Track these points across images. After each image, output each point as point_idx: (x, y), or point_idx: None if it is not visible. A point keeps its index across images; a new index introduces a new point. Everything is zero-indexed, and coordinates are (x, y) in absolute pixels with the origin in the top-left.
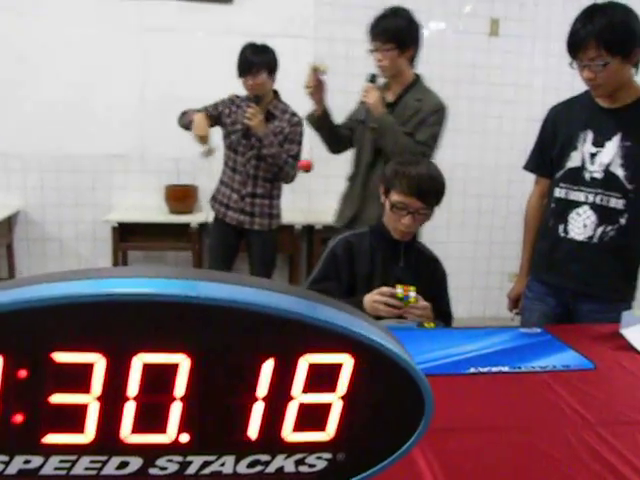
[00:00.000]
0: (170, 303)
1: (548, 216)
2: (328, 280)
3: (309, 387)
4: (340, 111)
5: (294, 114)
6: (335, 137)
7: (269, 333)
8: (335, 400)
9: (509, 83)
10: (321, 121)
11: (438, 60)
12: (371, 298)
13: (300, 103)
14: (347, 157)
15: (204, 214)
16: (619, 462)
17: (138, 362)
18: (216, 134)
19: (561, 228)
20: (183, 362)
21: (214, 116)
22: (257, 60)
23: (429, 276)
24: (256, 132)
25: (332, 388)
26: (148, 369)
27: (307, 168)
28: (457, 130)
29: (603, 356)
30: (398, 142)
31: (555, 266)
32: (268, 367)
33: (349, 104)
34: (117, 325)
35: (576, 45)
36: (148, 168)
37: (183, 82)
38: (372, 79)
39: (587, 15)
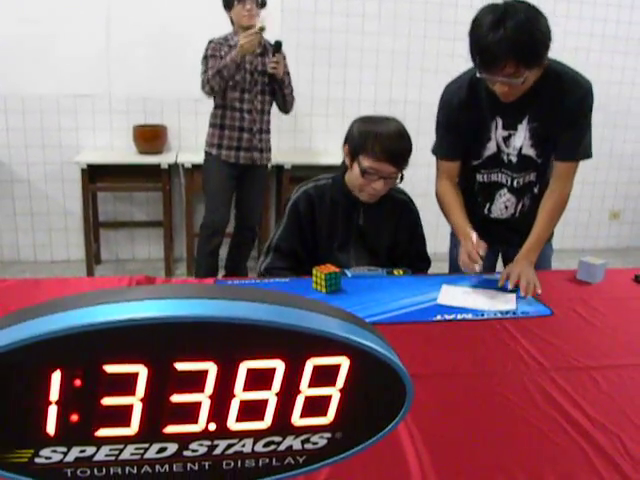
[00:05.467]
0: (198, 322)
1: (475, 195)
2: (293, 238)
3: (313, 383)
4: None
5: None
6: None
7: (280, 343)
8: (334, 392)
9: (463, 21)
10: None
11: None
12: None
13: None
14: (320, 95)
15: (173, 154)
16: (569, 405)
17: (174, 370)
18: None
19: (487, 206)
20: (211, 368)
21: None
22: None
23: (397, 221)
24: (280, 78)
25: (332, 383)
26: (183, 375)
27: None
28: (425, 69)
29: (560, 302)
30: None
31: (485, 233)
32: (280, 369)
33: (316, 40)
34: (156, 341)
35: (491, 63)
36: (115, 108)
37: (151, 19)
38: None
39: (497, 25)
